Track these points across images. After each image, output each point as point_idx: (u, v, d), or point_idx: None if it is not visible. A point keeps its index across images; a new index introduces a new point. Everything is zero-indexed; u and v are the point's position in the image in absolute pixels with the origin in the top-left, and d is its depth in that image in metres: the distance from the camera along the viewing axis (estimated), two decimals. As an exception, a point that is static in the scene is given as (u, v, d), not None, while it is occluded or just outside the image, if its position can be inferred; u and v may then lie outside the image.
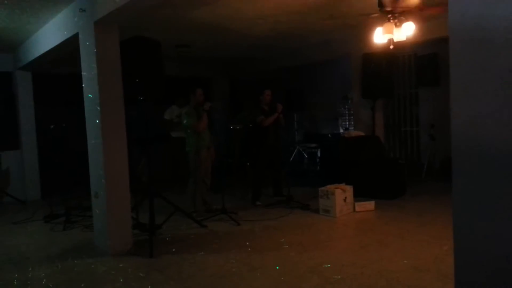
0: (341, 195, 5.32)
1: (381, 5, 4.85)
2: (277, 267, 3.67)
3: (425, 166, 7.63)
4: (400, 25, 5.14)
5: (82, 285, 3.50)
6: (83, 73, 4.42)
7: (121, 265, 3.91)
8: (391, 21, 5.17)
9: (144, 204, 4.72)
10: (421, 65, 7.84)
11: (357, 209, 5.45)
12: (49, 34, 5.26)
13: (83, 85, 4.44)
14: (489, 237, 1.41)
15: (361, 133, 6.96)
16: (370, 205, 5.51)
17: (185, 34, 6.40)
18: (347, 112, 9.53)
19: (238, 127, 8.58)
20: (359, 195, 5.67)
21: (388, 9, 4.95)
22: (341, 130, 9.15)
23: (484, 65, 1.39)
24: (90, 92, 4.32)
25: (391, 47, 5.40)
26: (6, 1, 4.25)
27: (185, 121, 5.57)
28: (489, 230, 1.41)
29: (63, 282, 3.58)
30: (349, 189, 5.48)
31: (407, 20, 5.09)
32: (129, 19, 4.19)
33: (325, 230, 4.82)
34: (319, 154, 8.98)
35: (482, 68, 1.39)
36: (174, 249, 4.27)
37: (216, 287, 3.33)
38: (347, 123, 9.55)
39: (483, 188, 1.41)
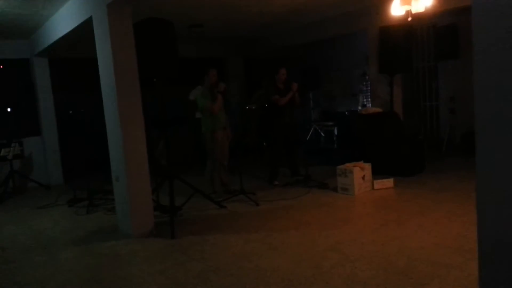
0: (359, 173, 5.28)
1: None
2: (297, 246, 3.69)
3: (445, 141, 7.49)
4: (419, -4, 4.96)
5: (107, 266, 3.61)
6: (99, 57, 4.43)
7: (144, 246, 4.00)
8: (410, -9, 5.00)
9: (164, 187, 4.78)
10: (440, 36, 7.59)
11: (375, 186, 5.41)
12: (63, 19, 5.28)
13: (99, 68, 4.46)
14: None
15: (379, 110, 6.85)
16: (389, 182, 5.46)
17: (198, 14, 6.33)
18: (365, 88, 9.36)
19: (253, 107, 8.54)
20: (377, 173, 5.61)
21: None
22: (359, 107, 9.00)
23: (510, 33, 1.32)
24: (106, 76, 4.34)
25: (409, 19, 5.24)
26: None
27: (200, 103, 5.57)
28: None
29: (89, 264, 3.69)
30: (368, 167, 5.44)
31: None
32: (142, 1, 4.15)
33: (344, 208, 4.81)
34: (336, 132, 8.91)
35: (508, 37, 1.33)
36: (195, 230, 4.34)
37: (238, 266, 3.38)
38: (365, 100, 9.39)
39: (510, 163, 1.37)
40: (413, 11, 5.05)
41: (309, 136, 9.52)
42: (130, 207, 4.27)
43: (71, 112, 6.44)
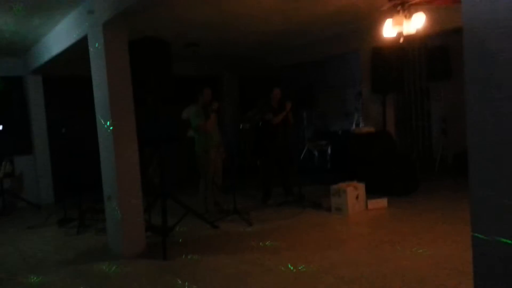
0: (353, 193, 5.27)
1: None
2: (291, 267, 3.64)
3: (437, 161, 7.52)
4: (410, 17, 5.06)
5: (97, 288, 3.52)
6: (93, 75, 4.43)
7: (135, 267, 3.92)
8: (401, 13, 5.09)
9: (157, 206, 4.72)
10: (431, 57, 7.71)
11: (369, 206, 5.39)
12: (58, 37, 5.29)
13: (93, 87, 4.45)
14: (509, 232, 1.36)
15: (372, 129, 6.89)
16: (382, 202, 5.44)
17: (193, 33, 6.38)
18: (360, 107, 9.38)
19: (247, 126, 8.54)
20: (371, 192, 5.59)
21: (398, 1, 4.87)
22: (353, 126, 9.01)
23: (502, 54, 1.34)
24: (100, 94, 4.33)
25: (401, 40, 5.32)
26: (13, 6, 4.27)
27: (193, 122, 5.57)
28: (508, 225, 1.36)
29: (78, 286, 3.60)
30: (361, 187, 5.43)
31: (417, 11, 5.00)
32: (137, 20, 4.18)
33: (338, 228, 4.77)
34: (329, 152, 8.91)
35: (499, 59, 1.35)
36: (187, 251, 4.27)
37: (230, 288, 3.31)
38: (360, 118, 9.39)
39: (503, 182, 1.36)
40: (405, 33, 5.14)
41: (302, 155, 9.51)
42: (122, 227, 4.20)
43: (64, 130, 6.37)
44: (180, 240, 4.66)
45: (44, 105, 7.37)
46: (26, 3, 4.25)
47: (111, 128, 4.16)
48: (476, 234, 1.46)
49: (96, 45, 4.26)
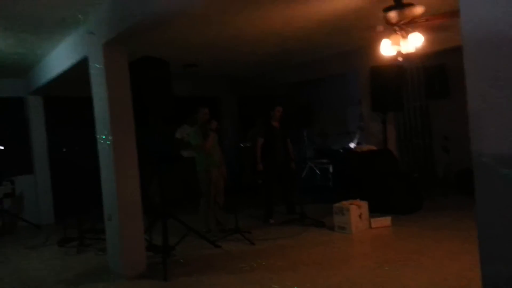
0: (356, 211, 5.22)
1: (388, 19, 4.84)
2: (295, 287, 3.58)
3: (439, 179, 7.49)
4: (407, 37, 5.12)
5: (96, 310, 3.45)
6: (94, 95, 4.45)
7: (135, 288, 3.86)
8: (398, 33, 5.16)
9: (157, 226, 4.68)
10: (429, 76, 7.79)
11: (373, 225, 5.33)
12: (59, 58, 5.34)
13: (94, 107, 4.47)
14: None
15: (373, 147, 6.88)
16: (386, 221, 5.38)
17: (192, 54, 6.46)
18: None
19: (248, 145, 8.54)
20: (374, 211, 5.54)
21: (394, 21, 4.93)
22: (354, 144, 9.00)
23: (502, 71, 1.35)
24: (100, 114, 4.34)
25: (400, 59, 5.36)
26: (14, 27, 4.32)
27: (192, 142, 5.57)
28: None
29: (77, 308, 3.54)
30: (364, 205, 5.38)
31: (414, 31, 5.07)
32: (137, 40, 4.23)
33: (341, 247, 4.72)
34: (331, 170, 8.88)
35: (499, 75, 1.36)
36: (188, 271, 4.21)
37: (232, 309, 3.25)
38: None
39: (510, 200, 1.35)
40: (403, 52, 5.19)
41: (304, 173, 9.48)
42: (122, 247, 4.15)
43: (64, 150, 6.36)
44: (182, 260, 4.60)
45: (44, 125, 7.40)
46: (27, 24, 4.31)
47: (108, 142, 4.16)
48: (484, 254, 1.44)
49: (97, 66, 4.29)
